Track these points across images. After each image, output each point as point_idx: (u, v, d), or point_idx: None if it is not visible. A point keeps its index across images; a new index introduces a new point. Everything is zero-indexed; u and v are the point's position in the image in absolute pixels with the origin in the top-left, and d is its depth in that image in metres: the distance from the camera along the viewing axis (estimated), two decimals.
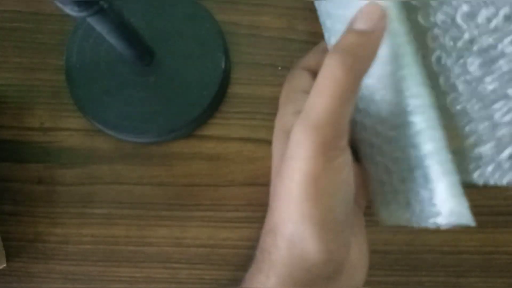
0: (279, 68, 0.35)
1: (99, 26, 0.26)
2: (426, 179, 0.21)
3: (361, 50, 0.19)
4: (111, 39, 0.29)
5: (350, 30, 0.19)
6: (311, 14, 0.33)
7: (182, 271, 0.33)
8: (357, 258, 0.23)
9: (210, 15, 0.35)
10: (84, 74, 0.34)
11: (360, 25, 0.19)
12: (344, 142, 0.20)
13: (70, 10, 0.24)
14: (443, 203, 0.20)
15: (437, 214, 0.21)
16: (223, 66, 0.34)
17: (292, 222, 0.20)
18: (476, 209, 0.31)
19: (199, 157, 0.34)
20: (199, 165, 0.34)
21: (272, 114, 0.34)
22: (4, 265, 0.33)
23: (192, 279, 0.33)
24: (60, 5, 0.23)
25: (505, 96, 0.22)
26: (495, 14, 0.21)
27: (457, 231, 0.33)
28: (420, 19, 0.22)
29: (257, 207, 0.33)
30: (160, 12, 0.34)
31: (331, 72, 0.19)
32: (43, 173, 0.34)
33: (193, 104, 0.33)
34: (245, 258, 0.33)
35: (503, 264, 0.33)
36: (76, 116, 0.35)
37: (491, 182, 0.24)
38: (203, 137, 0.35)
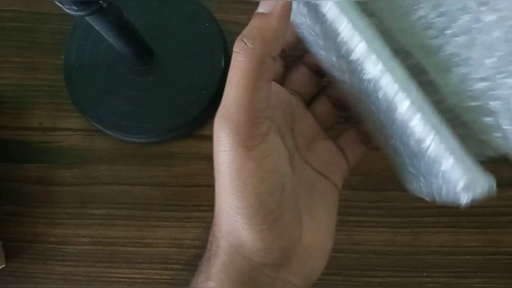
0: None
1: (98, 25, 0.26)
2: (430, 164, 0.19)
3: (262, 33, 0.19)
4: (110, 38, 0.28)
5: (253, 14, 0.19)
6: None
7: (181, 272, 0.33)
8: (313, 243, 0.22)
9: (210, 14, 0.34)
10: (83, 73, 0.34)
11: (261, 9, 0.19)
12: (264, 129, 0.20)
13: (69, 9, 0.24)
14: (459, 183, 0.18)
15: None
16: (222, 65, 0.34)
17: (225, 214, 0.20)
18: (477, 210, 0.31)
19: (198, 157, 0.34)
20: (198, 165, 0.34)
21: None
22: (3, 265, 0.33)
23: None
24: (59, 4, 0.23)
25: None
26: None
27: (458, 232, 0.33)
28: None
29: None
30: (159, 11, 0.34)
31: (235, 59, 0.19)
32: (42, 173, 0.34)
33: (193, 104, 0.33)
34: None
35: (504, 265, 0.33)
36: (75, 116, 0.34)
37: None
38: (202, 137, 0.34)
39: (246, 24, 0.37)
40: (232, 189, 0.20)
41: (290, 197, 0.21)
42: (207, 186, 0.34)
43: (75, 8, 0.23)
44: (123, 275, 0.33)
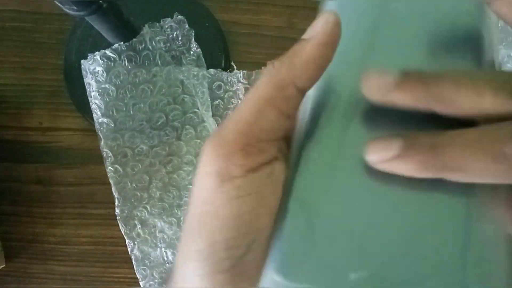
0: None
1: (98, 25, 0.26)
2: None
3: (291, 56, 0.17)
4: (110, 38, 0.28)
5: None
6: (311, 12, 0.33)
7: None
8: None
9: (210, 14, 0.34)
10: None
11: (306, 35, 0.17)
12: (253, 162, 0.16)
13: (69, 9, 0.24)
14: None
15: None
16: (222, 65, 0.34)
17: (180, 251, 0.17)
18: None
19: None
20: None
21: None
22: (3, 265, 0.33)
23: None
24: (59, 4, 0.23)
25: None
26: None
27: None
28: None
29: None
30: (159, 11, 0.34)
31: (259, 79, 0.17)
32: (41, 173, 0.34)
33: None
34: None
35: None
36: (75, 116, 0.34)
37: None
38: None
39: (246, 24, 0.37)
40: (191, 223, 0.16)
41: (259, 259, 0.16)
42: None
43: (75, 8, 0.23)
44: (123, 275, 0.33)
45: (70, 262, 0.34)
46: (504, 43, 0.29)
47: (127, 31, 0.29)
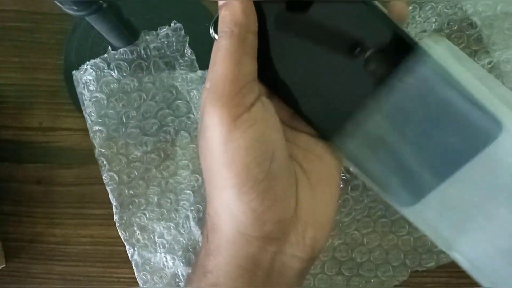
0: None
1: (98, 25, 0.26)
2: None
3: (232, 18, 0.21)
4: (110, 38, 0.29)
5: (218, 8, 0.22)
6: None
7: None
8: (311, 212, 0.22)
9: (210, 13, 0.34)
10: None
11: (221, 1, 0.22)
12: (250, 99, 0.21)
13: (69, 9, 0.24)
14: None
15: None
16: None
17: (216, 188, 0.21)
18: None
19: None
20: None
21: None
22: (3, 265, 0.33)
23: None
24: (59, 4, 0.23)
25: None
26: None
27: None
28: None
29: None
30: (159, 11, 0.34)
31: (217, 44, 0.21)
32: (42, 173, 0.34)
33: None
34: None
35: None
36: (75, 116, 0.34)
37: None
38: None
39: None
40: (221, 161, 0.20)
41: (282, 167, 0.21)
42: None
43: (75, 8, 0.23)
44: (123, 275, 0.33)
45: (70, 262, 0.34)
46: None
47: (127, 31, 0.29)
